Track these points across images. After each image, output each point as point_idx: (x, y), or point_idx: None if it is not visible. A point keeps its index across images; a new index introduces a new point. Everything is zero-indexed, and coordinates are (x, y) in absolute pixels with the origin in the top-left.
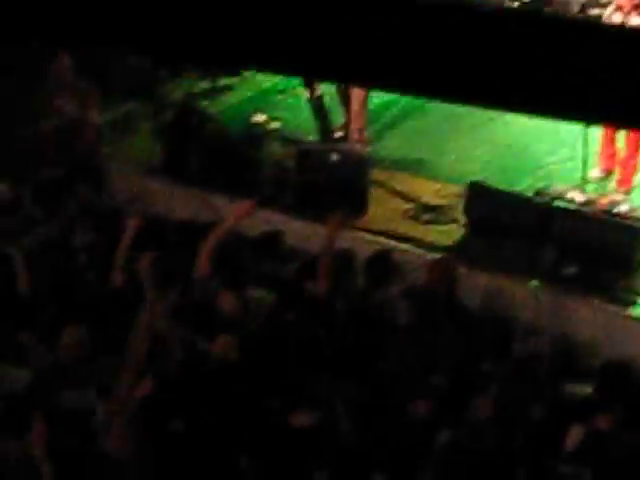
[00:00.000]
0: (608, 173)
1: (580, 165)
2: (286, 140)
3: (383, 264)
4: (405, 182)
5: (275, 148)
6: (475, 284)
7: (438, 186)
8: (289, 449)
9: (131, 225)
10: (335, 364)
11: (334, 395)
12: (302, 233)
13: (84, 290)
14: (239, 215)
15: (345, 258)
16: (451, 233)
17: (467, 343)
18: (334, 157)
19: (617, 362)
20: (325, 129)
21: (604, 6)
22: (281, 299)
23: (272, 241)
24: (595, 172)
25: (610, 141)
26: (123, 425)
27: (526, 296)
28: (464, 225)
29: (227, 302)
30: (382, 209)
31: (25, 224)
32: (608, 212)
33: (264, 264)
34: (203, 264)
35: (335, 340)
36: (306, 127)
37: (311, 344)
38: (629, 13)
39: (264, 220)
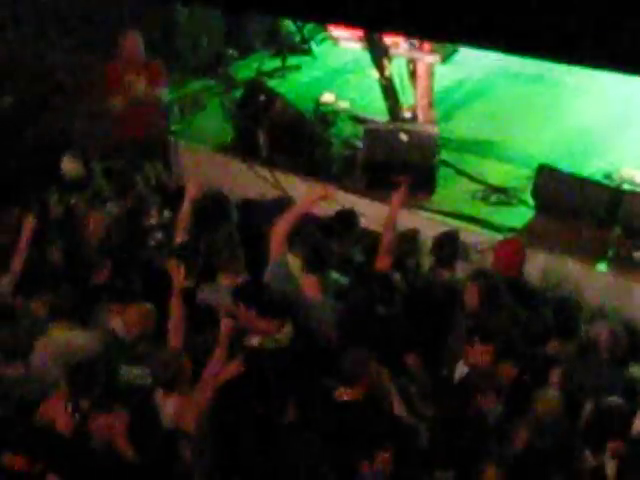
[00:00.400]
0: None
1: None
2: (355, 119)
3: (451, 245)
4: (474, 163)
5: (344, 127)
6: (543, 266)
7: (507, 168)
8: (337, 423)
9: (190, 191)
10: (395, 343)
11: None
12: (370, 213)
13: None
14: (316, 198)
15: (410, 237)
16: (519, 215)
17: (533, 325)
18: (403, 137)
19: None
20: (394, 109)
21: None
22: (351, 279)
23: (346, 221)
24: None
25: None
26: (200, 404)
27: (593, 279)
28: (532, 207)
29: (311, 286)
30: (450, 190)
31: (95, 200)
32: None
33: (335, 244)
34: (278, 246)
35: (396, 317)
36: (375, 107)
37: (370, 321)
38: None
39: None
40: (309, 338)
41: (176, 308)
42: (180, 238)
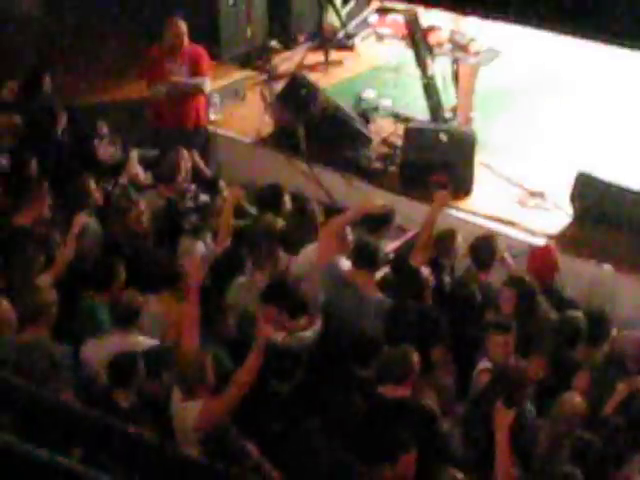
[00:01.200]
0: None
1: None
2: (395, 118)
3: (488, 248)
4: (512, 166)
5: (384, 125)
6: (577, 273)
7: (546, 172)
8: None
9: (233, 193)
10: (423, 337)
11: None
12: (406, 211)
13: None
14: (371, 209)
15: (448, 237)
16: (556, 220)
17: (564, 329)
18: (442, 137)
19: None
20: (435, 109)
21: None
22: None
23: (382, 218)
24: None
25: None
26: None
27: (627, 287)
28: (570, 213)
29: (366, 283)
30: (488, 192)
31: (133, 186)
32: None
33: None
34: (327, 248)
35: (425, 312)
36: (416, 106)
37: (400, 315)
38: None
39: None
40: (347, 336)
41: (192, 307)
42: (222, 246)
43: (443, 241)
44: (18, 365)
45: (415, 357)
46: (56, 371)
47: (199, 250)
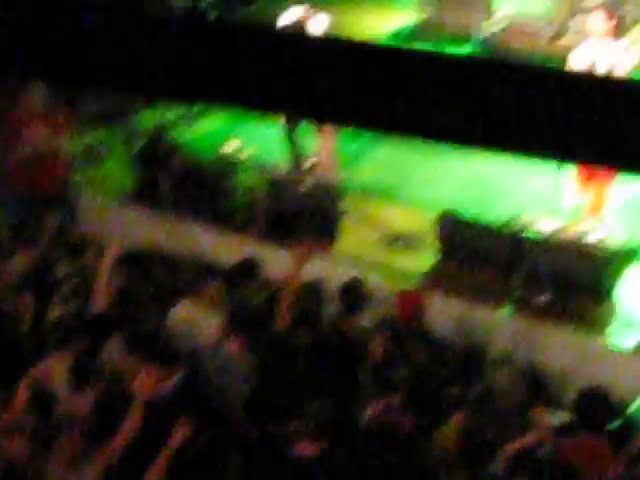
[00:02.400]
0: (581, 201)
1: (552, 194)
2: (258, 169)
3: (355, 293)
4: (377, 209)
5: (247, 176)
6: (448, 311)
7: (410, 213)
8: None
9: (111, 251)
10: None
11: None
12: (273, 262)
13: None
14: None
15: (313, 290)
16: (424, 260)
17: (436, 371)
18: (305, 186)
19: (594, 389)
20: (297, 157)
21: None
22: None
23: (247, 271)
24: (568, 200)
25: (584, 169)
26: None
27: (498, 324)
28: (436, 252)
29: (237, 345)
30: (354, 236)
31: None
32: (577, 241)
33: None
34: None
35: (301, 373)
36: (278, 155)
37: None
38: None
39: (236, 249)
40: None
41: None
42: (100, 301)
43: (312, 292)
44: None
45: None
46: None
47: None
